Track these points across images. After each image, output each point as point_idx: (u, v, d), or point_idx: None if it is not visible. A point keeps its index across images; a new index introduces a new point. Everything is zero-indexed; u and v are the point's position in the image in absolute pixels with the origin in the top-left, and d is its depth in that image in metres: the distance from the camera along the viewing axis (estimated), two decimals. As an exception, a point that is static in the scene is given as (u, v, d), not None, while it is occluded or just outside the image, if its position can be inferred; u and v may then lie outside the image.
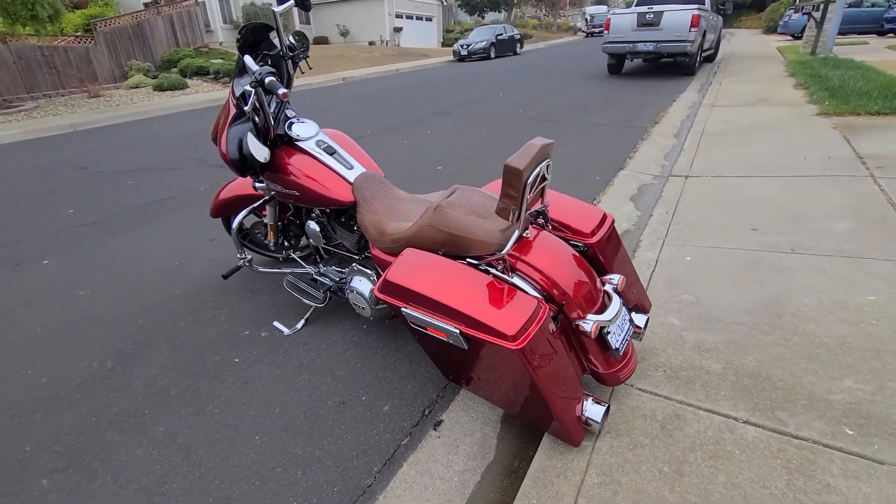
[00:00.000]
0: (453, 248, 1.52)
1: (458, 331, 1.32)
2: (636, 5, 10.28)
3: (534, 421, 1.49)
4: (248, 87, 1.68)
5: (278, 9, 1.90)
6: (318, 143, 1.93)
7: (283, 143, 1.93)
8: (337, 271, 2.12)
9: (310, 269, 2.21)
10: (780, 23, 18.36)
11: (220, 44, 19.35)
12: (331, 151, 1.92)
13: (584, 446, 1.41)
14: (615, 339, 1.46)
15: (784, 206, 3.06)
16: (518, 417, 1.60)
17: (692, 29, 9.06)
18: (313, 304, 2.09)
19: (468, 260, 1.50)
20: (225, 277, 2.40)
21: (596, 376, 1.49)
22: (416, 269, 1.44)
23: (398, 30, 26.77)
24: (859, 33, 15.77)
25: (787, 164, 3.85)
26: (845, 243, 2.50)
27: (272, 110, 1.90)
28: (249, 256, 2.31)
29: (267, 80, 1.62)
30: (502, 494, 1.42)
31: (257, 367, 1.97)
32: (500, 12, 34.76)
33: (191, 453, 1.57)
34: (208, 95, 11.07)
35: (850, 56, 9.75)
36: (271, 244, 2.49)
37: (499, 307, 1.30)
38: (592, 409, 1.38)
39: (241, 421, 1.70)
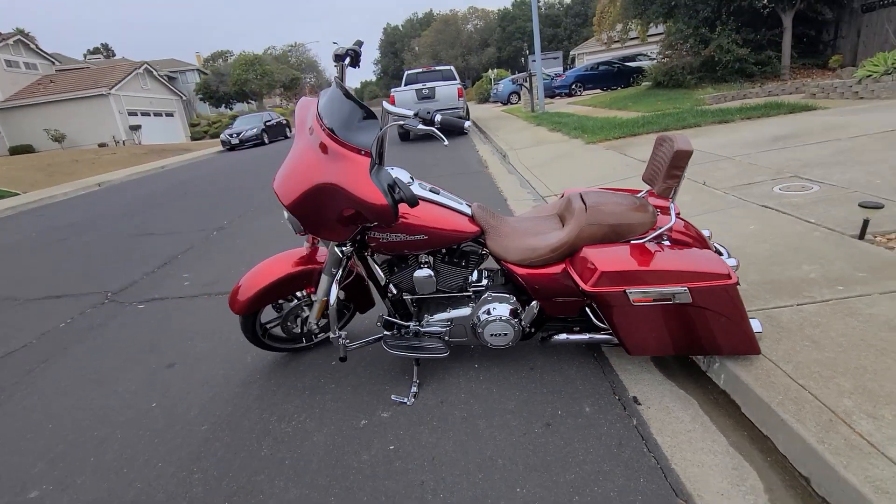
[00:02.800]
0: (615, 237, 1.78)
1: (685, 288, 1.58)
2: (405, 84, 12.05)
3: (715, 349, 1.78)
4: (421, 127, 1.60)
5: (346, 62, 1.87)
6: (421, 186, 1.90)
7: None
8: (446, 317, 2.02)
9: (410, 324, 2.02)
10: (492, 94, 23.97)
11: None
12: (436, 192, 1.91)
13: (755, 354, 1.81)
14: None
15: (641, 196, 4.25)
16: (698, 353, 1.85)
17: (460, 98, 11.20)
18: (438, 355, 1.94)
19: (631, 241, 1.78)
20: (343, 360, 1.94)
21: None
22: (618, 258, 1.65)
23: (136, 128, 23.65)
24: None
25: (608, 173, 5.27)
26: (702, 206, 3.69)
27: None
28: (344, 332, 1.95)
29: (437, 117, 1.59)
30: (731, 418, 1.69)
31: (425, 441, 1.70)
32: (247, 103, 34.51)
33: (472, 542, 1.31)
34: None
35: (556, 111, 13.62)
36: (314, 325, 2.16)
37: (701, 261, 1.63)
38: (755, 323, 1.81)
39: (477, 485, 1.48)
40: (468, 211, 1.92)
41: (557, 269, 1.84)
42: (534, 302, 1.87)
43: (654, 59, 17.64)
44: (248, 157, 13.89)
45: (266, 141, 18.38)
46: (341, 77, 1.87)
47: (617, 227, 1.77)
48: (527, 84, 14.53)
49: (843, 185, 3.60)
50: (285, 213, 1.83)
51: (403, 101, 11.19)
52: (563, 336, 1.99)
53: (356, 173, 1.63)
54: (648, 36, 18.81)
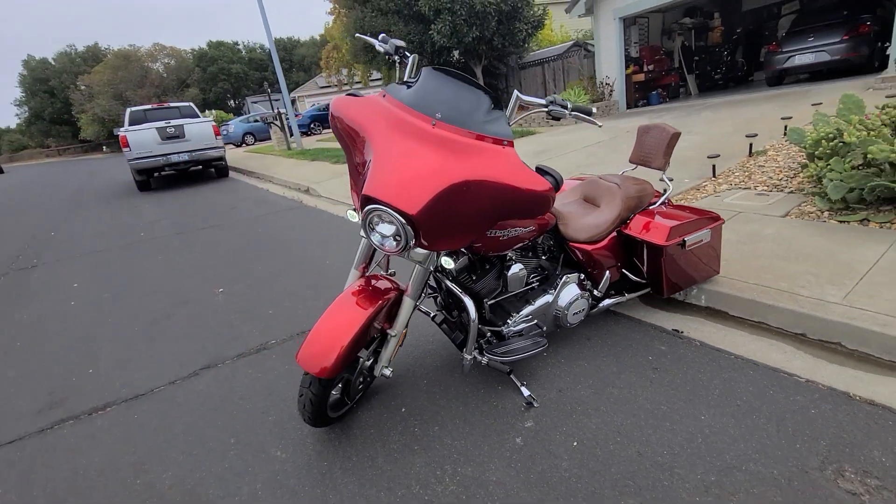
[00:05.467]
0: (639, 205, 2.22)
1: (708, 231, 2.14)
2: (130, 125, 9.84)
3: (696, 281, 2.39)
4: (569, 114, 1.54)
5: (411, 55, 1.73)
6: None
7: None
8: (531, 310, 2.00)
9: (502, 329, 1.91)
10: (223, 134, 21.86)
11: None
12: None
13: (713, 276, 2.54)
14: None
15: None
16: (691, 284, 2.41)
17: (217, 137, 9.94)
18: (541, 348, 1.91)
19: (649, 207, 2.24)
20: (510, 373, 1.55)
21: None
22: (671, 217, 2.10)
23: None
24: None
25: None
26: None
27: None
28: (475, 352, 1.63)
29: (569, 105, 1.57)
30: (727, 320, 2.33)
31: (593, 424, 1.69)
32: None
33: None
34: None
35: (313, 147, 13.67)
36: (385, 368, 1.80)
37: (704, 210, 2.23)
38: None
39: (675, 430, 1.62)
40: (537, 202, 1.99)
41: (608, 240, 2.14)
42: (607, 272, 2.10)
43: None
44: None
45: None
46: (413, 69, 1.69)
47: (641, 197, 2.22)
48: (277, 122, 14.04)
49: (616, 175, 5.14)
50: (385, 229, 1.51)
51: (142, 142, 9.14)
52: (607, 301, 2.28)
53: (509, 164, 1.52)
54: (370, 80, 20.99)
